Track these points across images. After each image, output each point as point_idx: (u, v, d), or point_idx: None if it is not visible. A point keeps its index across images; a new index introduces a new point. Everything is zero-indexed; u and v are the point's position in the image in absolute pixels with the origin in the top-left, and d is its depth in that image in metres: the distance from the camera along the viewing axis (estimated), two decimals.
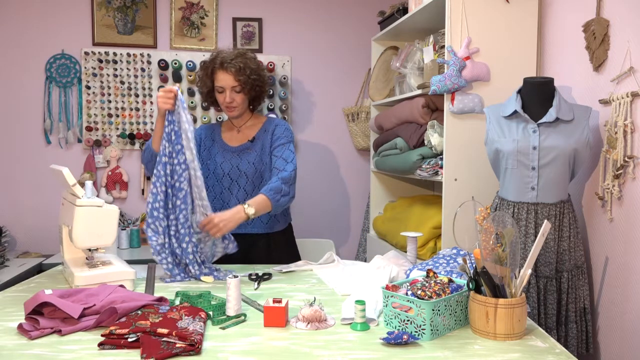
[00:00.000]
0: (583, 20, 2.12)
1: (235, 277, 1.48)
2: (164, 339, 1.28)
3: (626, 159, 1.89)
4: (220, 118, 3.58)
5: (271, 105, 3.62)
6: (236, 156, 2.18)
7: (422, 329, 1.34)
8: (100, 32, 3.47)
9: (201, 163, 2.15)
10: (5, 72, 3.40)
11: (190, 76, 3.51)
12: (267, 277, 1.93)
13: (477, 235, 1.47)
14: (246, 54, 2.16)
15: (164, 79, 3.52)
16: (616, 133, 1.92)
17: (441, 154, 2.43)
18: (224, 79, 2.09)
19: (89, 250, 1.79)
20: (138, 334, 1.29)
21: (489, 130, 2.09)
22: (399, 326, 1.39)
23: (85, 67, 3.44)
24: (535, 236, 1.94)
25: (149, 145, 2.04)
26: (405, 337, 1.29)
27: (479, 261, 1.42)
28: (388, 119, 2.97)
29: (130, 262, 1.99)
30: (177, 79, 3.52)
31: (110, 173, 3.50)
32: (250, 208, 1.89)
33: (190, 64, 3.52)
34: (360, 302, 1.41)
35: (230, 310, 1.48)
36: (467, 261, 1.49)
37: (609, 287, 2.03)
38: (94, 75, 3.46)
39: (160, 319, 1.37)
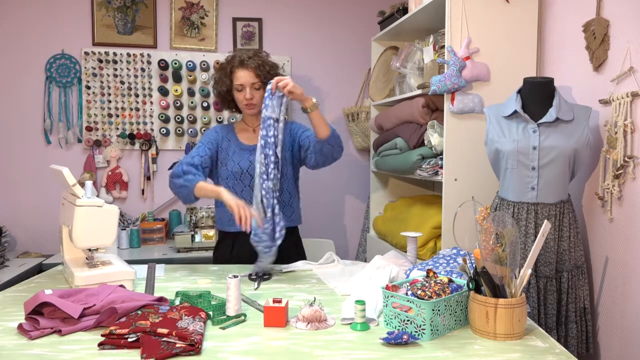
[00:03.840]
0: (583, 20, 2.12)
1: (235, 277, 1.48)
2: (164, 339, 1.28)
3: (626, 159, 1.89)
4: (220, 118, 3.58)
5: None
6: (254, 153, 2.15)
7: (422, 329, 1.34)
8: (100, 32, 3.47)
9: (220, 164, 2.20)
10: (5, 72, 3.40)
11: (190, 76, 3.51)
12: (267, 277, 1.93)
13: (477, 235, 1.47)
14: (262, 52, 2.23)
15: (164, 79, 3.52)
16: (616, 133, 1.92)
17: (441, 154, 2.43)
18: (244, 76, 2.13)
19: (89, 250, 1.79)
20: (138, 334, 1.29)
21: (489, 130, 2.09)
22: (399, 326, 1.39)
23: (85, 67, 3.44)
24: (535, 236, 1.94)
25: (191, 187, 2.01)
26: (405, 337, 1.29)
27: (479, 261, 1.42)
28: (388, 119, 2.97)
29: (130, 262, 1.99)
30: (177, 79, 3.52)
31: (110, 173, 3.50)
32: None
33: (190, 64, 3.52)
34: (360, 302, 1.41)
35: (230, 310, 1.48)
36: (467, 261, 1.49)
37: (609, 287, 2.03)
38: (94, 75, 3.46)
39: (160, 319, 1.37)
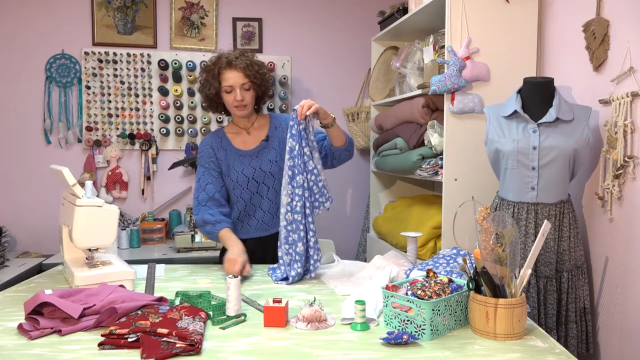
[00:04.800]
0: (583, 20, 2.12)
1: (235, 277, 1.48)
2: (164, 339, 1.28)
3: (626, 159, 1.89)
4: (220, 118, 3.58)
5: (271, 105, 3.63)
6: (255, 158, 2.13)
7: (422, 329, 1.34)
8: (100, 32, 3.47)
9: (223, 175, 2.15)
10: (5, 72, 3.40)
11: (190, 76, 3.51)
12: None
13: (477, 235, 1.47)
14: (247, 52, 2.15)
15: (164, 79, 3.52)
16: (616, 133, 1.92)
17: (441, 154, 2.43)
18: (233, 77, 2.05)
19: (89, 250, 1.79)
20: (138, 334, 1.29)
21: (489, 130, 2.09)
22: (399, 326, 1.39)
23: (85, 67, 3.44)
24: (535, 236, 1.94)
25: (215, 235, 2.07)
26: (405, 337, 1.29)
27: (479, 261, 1.42)
28: (388, 119, 2.97)
29: (130, 262, 1.99)
30: (177, 79, 3.52)
31: (110, 173, 3.50)
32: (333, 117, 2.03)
33: (190, 64, 3.52)
34: (360, 302, 1.41)
35: (230, 310, 1.48)
36: (467, 261, 1.49)
37: (609, 287, 2.03)
38: (94, 75, 3.46)
39: (160, 319, 1.37)
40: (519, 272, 1.42)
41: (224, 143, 2.17)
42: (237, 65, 2.05)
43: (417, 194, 3.36)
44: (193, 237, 3.16)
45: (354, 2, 3.76)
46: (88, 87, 3.45)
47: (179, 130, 3.56)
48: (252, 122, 2.20)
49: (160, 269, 2.05)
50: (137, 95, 3.51)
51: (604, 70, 2.04)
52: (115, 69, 3.48)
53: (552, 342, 1.34)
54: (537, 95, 2.00)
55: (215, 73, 2.07)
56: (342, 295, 1.72)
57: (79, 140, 3.49)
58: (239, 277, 1.49)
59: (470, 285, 1.41)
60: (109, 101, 3.48)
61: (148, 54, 3.50)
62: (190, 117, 3.53)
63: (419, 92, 2.59)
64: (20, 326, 1.38)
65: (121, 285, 1.64)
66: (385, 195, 3.40)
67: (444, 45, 2.32)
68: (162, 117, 3.50)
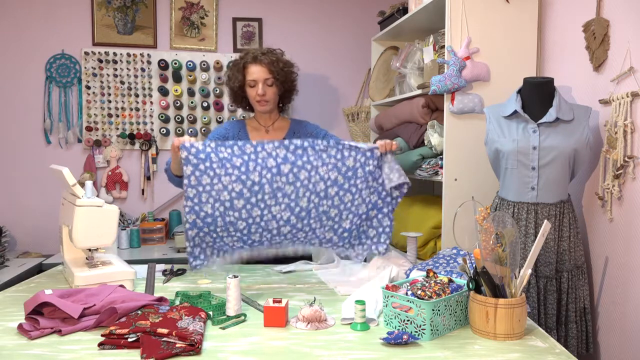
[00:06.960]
0: (583, 20, 2.12)
1: (235, 277, 1.48)
2: (164, 339, 1.28)
3: (626, 159, 1.89)
4: (220, 118, 3.58)
5: None
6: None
7: (422, 329, 1.34)
8: (100, 32, 3.47)
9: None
10: (5, 72, 3.40)
11: (190, 76, 3.51)
12: (180, 272, 1.98)
13: (477, 235, 1.47)
14: (276, 50, 2.19)
15: (164, 79, 3.52)
16: (616, 133, 1.92)
17: (441, 154, 2.43)
18: (257, 72, 2.08)
19: (89, 250, 1.79)
20: (138, 334, 1.29)
21: (489, 130, 2.09)
22: (399, 326, 1.39)
23: (85, 67, 3.44)
24: (535, 236, 1.94)
25: (169, 171, 1.98)
26: (405, 337, 1.29)
27: (479, 261, 1.42)
28: (388, 119, 2.96)
29: (130, 262, 1.99)
30: (177, 79, 3.52)
31: (110, 173, 3.50)
32: None
33: (190, 64, 3.52)
34: (360, 302, 1.41)
35: (230, 310, 1.48)
36: (467, 261, 1.49)
37: (609, 287, 2.03)
38: (94, 75, 3.46)
39: (160, 319, 1.37)
40: (519, 272, 1.42)
41: (242, 134, 2.19)
42: (262, 61, 2.09)
43: (417, 194, 3.35)
44: None
45: (353, 2, 3.77)
46: (88, 87, 3.45)
47: (179, 130, 3.56)
48: (273, 120, 2.22)
49: (160, 269, 2.04)
50: (137, 95, 3.50)
51: (604, 70, 2.04)
52: (115, 69, 3.48)
53: (552, 342, 1.34)
54: (537, 95, 2.00)
55: (241, 67, 2.12)
56: (342, 295, 1.72)
57: (79, 140, 3.49)
58: (239, 277, 1.49)
59: (470, 285, 1.41)
60: (109, 101, 3.48)
61: (148, 54, 3.50)
62: (190, 117, 3.53)
63: (419, 92, 2.59)
64: (20, 326, 1.38)
65: (121, 285, 1.64)
66: None
67: (444, 45, 2.32)
68: (162, 117, 3.50)
